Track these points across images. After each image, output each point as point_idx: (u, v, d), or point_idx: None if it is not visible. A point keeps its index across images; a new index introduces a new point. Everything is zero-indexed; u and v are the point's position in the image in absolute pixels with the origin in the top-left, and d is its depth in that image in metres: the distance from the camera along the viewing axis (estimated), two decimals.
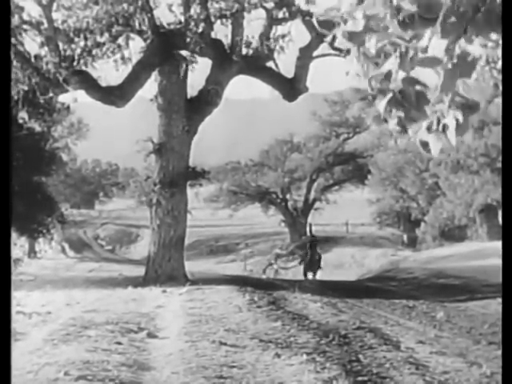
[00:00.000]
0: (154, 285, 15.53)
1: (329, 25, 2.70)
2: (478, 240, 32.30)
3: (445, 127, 2.65)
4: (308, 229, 26.39)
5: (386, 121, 2.76)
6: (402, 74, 2.61)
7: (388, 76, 2.62)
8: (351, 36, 2.63)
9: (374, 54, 2.63)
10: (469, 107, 2.64)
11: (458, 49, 2.56)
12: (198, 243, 48.23)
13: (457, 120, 2.62)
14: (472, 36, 2.52)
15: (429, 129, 2.69)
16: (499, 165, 29.08)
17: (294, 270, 26.85)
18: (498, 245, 18.73)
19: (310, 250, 22.96)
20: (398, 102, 2.65)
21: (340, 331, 8.61)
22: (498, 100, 2.81)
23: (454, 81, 2.59)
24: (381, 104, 2.68)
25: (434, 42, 2.53)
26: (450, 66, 2.57)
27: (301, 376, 6.11)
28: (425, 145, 2.74)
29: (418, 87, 2.65)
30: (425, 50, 2.54)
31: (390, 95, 2.65)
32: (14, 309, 9.91)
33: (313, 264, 22.72)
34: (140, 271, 19.44)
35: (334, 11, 2.65)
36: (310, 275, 22.80)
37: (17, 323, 9.01)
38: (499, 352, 7.68)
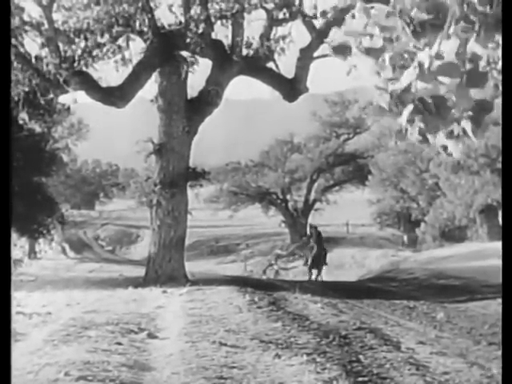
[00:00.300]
0: (154, 285, 15.53)
1: (344, 49, 2.68)
2: (478, 240, 32.28)
3: (465, 131, 2.65)
4: (308, 229, 26.11)
5: (407, 132, 2.73)
6: (421, 84, 2.59)
7: (407, 89, 2.60)
8: (368, 51, 2.62)
9: (391, 68, 2.62)
10: (482, 108, 2.64)
11: (468, 51, 2.55)
12: (199, 244, 48.23)
13: (474, 122, 2.62)
14: (482, 38, 2.52)
15: (449, 134, 2.68)
16: (499, 165, 29.08)
17: (295, 271, 26.82)
18: (498, 245, 18.71)
19: (316, 243, 22.05)
20: (419, 111, 2.63)
21: (340, 332, 8.61)
22: (498, 100, 2.80)
23: (467, 94, 2.58)
24: (402, 117, 2.66)
25: (444, 47, 2.52)
26: (463, 69, 2.56)
27: (301, 376, 6.11)
28: (445, 148, 2.74)
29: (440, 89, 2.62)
30: (438, 56, 2.53)
31: (410, 106, 2.62)
32: (14, 309, 9.92)
33: (319, 259, 21.78)
34: (140, 272, 19.42)
35: (349, 37, 2.63)
36: (314, 272, 21.68)
37: (17, 324, 9.01)
38: (499, 352, 7.68)
